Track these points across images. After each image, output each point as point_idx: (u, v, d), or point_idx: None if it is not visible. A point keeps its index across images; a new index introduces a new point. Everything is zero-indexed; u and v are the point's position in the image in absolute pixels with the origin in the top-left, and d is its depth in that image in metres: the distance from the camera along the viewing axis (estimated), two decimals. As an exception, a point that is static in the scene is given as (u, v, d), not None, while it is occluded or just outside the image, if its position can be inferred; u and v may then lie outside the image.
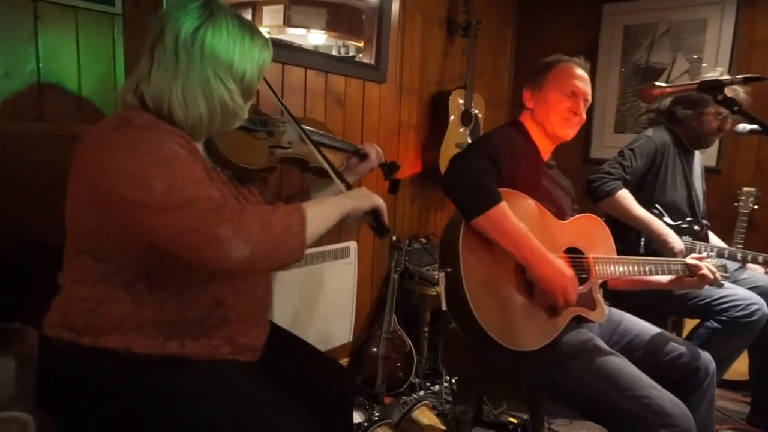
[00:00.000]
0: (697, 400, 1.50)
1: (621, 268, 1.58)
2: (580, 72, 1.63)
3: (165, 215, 0.97)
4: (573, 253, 1.56)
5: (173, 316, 1.09)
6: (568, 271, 1.39)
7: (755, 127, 1.92)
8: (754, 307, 2.09)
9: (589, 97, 1.64)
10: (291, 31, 2.29)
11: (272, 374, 1.22)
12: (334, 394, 1.37)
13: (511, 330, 1.37)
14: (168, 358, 1.08)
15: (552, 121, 1.61)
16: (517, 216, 1.38)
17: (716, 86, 1.36)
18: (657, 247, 2.18)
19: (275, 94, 1.40)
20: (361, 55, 2.62)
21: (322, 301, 2.33)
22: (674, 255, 2.12)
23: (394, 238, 1.36)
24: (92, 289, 1.06)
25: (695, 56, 3.17)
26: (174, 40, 1.06)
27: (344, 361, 2.56)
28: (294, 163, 1.45)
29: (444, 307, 1.37)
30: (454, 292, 1.35)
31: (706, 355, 1.55)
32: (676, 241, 2.12)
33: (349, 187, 1.30)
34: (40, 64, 1.44)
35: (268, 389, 1.15)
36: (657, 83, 1.50)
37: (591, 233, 1.62)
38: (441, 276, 1.38)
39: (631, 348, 1.56)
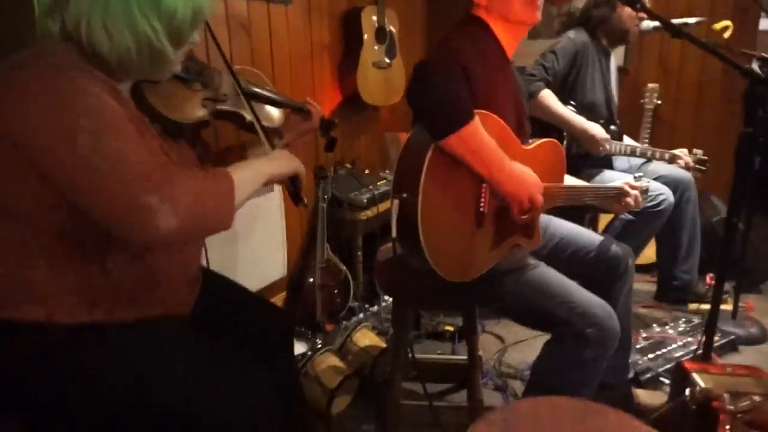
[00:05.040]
0: (619, 288, 1.64)
1: (564, 200, 1.54)
2: None
3: (88, 174, 0.89)
4: None
5: (98, 284, 1.01)
6: (532, 178, 1.35)
7: (657, 24, 1.97)
8: (662, 197, 2.25)
9: None
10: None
11: (206, 323, 1.19)
12: (272, 334, 1.37)
13: (456, 265, 1.35)
14: (94, 324, 1.00)
15: (515, 9, 1.44)
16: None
17: (620, -18, 1.36)
18: (583, 142, 2.27)
19: (215, 39, 1.29)
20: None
21: (252, 239, 2.28)
22: (600, 145, 2.22)
23: (305, 202, 1.34)
24: (4, 254, 0.95)
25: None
26: None
27: (282, 296, 2.56)
28: (229, 118, 1.37)
29: (393, 234, 1.30)
30: (407, 222, 1.27)
31: (625, 248, 1.65)
32: (599, 131, 2.22)
33: (273, 149, 1.29)
34: None
35: (203, 342, 1.12)
36: (563, -17, 1.49)
37: (547, 160, 1.52)
38: (395, 203, 1.29)
39: (559, 249, 1.64)
